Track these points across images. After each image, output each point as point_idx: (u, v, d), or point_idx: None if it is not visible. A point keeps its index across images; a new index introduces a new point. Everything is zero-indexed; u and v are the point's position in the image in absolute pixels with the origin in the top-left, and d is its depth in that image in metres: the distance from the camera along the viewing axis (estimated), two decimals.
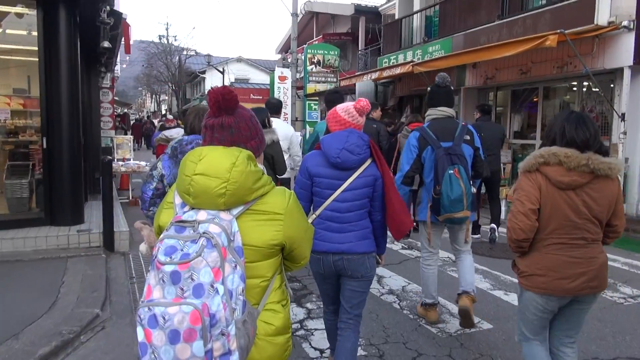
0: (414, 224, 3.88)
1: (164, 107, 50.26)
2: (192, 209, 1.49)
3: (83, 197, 6.51)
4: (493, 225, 6.71)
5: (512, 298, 4.42)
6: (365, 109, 2.68)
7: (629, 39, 7.31)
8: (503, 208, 7.51)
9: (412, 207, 4.74)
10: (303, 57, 17.71)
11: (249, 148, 1.59)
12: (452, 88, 3.91)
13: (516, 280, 2.50)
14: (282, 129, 4.96)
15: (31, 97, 6.30)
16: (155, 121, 24.49)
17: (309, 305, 4.26)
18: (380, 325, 3.86)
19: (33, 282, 4.58)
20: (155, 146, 9.49)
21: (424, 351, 3.44)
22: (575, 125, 2.19)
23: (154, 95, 54.82)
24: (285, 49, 24.84)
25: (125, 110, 33.55)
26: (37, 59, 5.83)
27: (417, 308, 4.09)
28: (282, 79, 18.21)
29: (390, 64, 12.92)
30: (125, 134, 20.85)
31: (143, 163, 9.24)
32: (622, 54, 7.44)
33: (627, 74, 7.41)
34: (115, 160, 9.95)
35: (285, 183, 4.99)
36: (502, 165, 7.42)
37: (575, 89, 9.19)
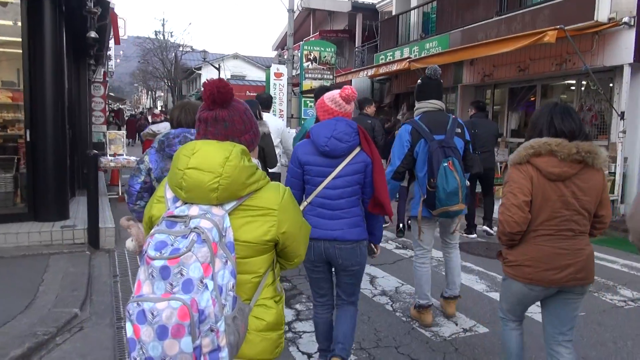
0: (408, 221, 3.80)
1: (159, 104, 49.99)
2: (185, 203, 1.47)
3: (68, 192, 6.32)
4: (486, 227, 6.65)
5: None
6: (351, 97, 2.66)
7: (629, 36, 7.17)
8: (496, 207, 7.37)
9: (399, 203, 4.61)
10: (299, 54, 17.53)
11: (242, 142, 1.57)
12: (442, 82, 3.87)
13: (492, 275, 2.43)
14: (274, 122, 4.88)
15: (20, 90, 6.09)
16: (150, 117, 24.26)
17: (298, 306, 4.09)
18: (372, 328, 3.70)
19: (11, 280, 4.39)
20: (143, 141, 9.34)
21: (416, 356, 3.28)
22: (562, 117, 2.22)
23: (149, 92, 54.52)
24: (281, 45, 24.65)
25: (120, 105, 33.22)
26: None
27: (410, 310, 3.94)
28: (278, 75, 18.03)
29: (387, 60, 12.76)
30: (119, 129, 20.60)
31: (133, 158, 9.04)
32: (622, 51, 7.31)
33: (627, 71, 7.28)
34: (108, 155, 9.79)
35: (276, 178, 4.84)
36: (498, 163, 7.30)
37: (573, 87, 9.06)
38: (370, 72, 12.22)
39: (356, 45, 19.02)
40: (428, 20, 12.58)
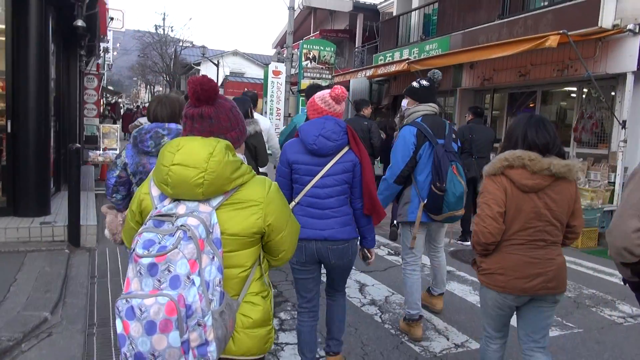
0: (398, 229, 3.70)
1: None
2: (172, 202, 1.49)
3: (50, 187, 6.11)
4: None
5: None
6: (341, 96, 2.65)
7: (634, 44, 6.99)
8: None
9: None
10: (298, 53, 17.33)
11: (228, 139, 1.58)
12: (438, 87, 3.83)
13: None
14: (262, 121, 4.74)
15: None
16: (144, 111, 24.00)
17: (282, 315, 3.89)
18: (359, 340, 3.50)
19: None
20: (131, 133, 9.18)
21: None
22: (536, 130, 2.24)
23: (148, 86, 54.19)
24: (281, 43, 24.44)
25: (116, 99, 32.96)
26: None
27: (399, 323, 3.74)
28: (277, 73, 17.78)
29: (386, 61, 12.56)
30: (115, 123, 20.39)
31: (120, 152, 8.82)
32: (625, 58, 7.13)
33: (630, 79, 7.09)
34: (101, 149, 9.58)
35: None
36: None
37: (574, 94, 8.89)
38: (369, 72, 12.03)
39: (356, 46, 18.84)
40: (429, 22, 12.39)
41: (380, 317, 3.95)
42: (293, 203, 2.66)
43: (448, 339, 3.60)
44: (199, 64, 36.73)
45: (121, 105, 38.88)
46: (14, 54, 5.47)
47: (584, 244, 6.80)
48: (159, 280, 1.34)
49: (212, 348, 1.39)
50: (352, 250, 2.71)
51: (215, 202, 1.49)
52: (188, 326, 1.34)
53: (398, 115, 4.03)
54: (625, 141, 7.22)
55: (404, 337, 3.58)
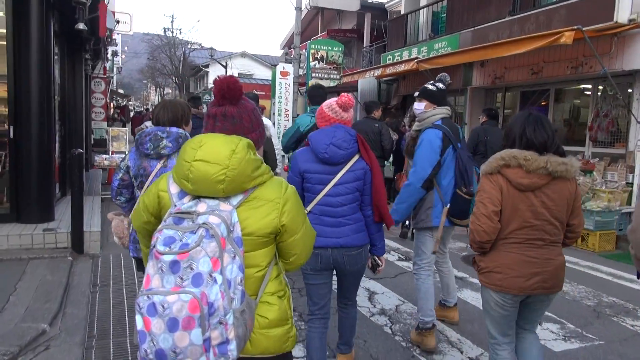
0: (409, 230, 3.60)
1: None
2: (192, 199, 1.49)
3: (54, 193, 6.02)
4: None
5: None
6: (347, 104, 2.67)
7: None
8: None
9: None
10: (306, 53, 17.20)
11: (250, 139, 1.58)
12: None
13: None
14: (269, 126, 4.67)
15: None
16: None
17: None
18: (368, 354, 3.34)
19: None
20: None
21: None
22: (534, 127, 2.25)
23: (158, 89, 54.45)
24: (289, 44, 24.34)
25: (125, 101, 33.09)
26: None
27: (411, 334, 3.58)
28: (284, 74, 17.69)
29: (395, 61, 12.37)
30: (124, 126, 20.41)
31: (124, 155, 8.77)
32: None
33: None
34: (110, 152, 9.55)
35: None
36: None
37: (589, 92, 8.64)
38: (377, 72, 11.84)
39: (364, 45, 18.66)
40: (437, 20, 12.18)
41: (391, 328, 3.79)
42: (305, 212, 2.59)
43: (462, 352, 3.42)
44: (207, 66, 36.82)
45: (131, 108, 39.04)
46: (15, 58, 5.39)
47: (601, 247, 6.58)
48: (181, 278, 1.34)
49: (232, 346, 1.40)
50: (365, 255, 2.76)
51: (235, 200, 1.50)
52: (210, 324, 1.34)
53: (407, 116, 3.93)
54: None
55: (415, 350, 3.41)
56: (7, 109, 5.66)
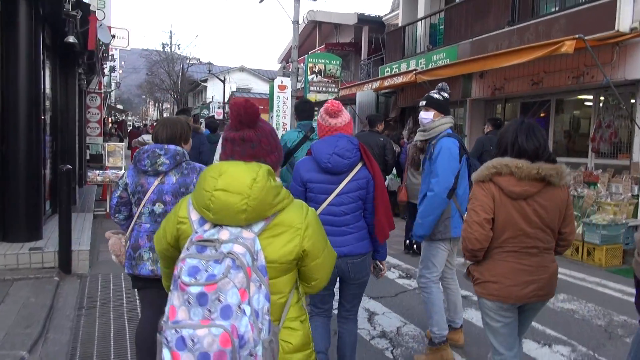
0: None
1: (165, 116, 49.92)
2: (214, 227, 1.46)
3: (42, 210, 5.82)
4: None
5: (531, 347, 3.69)
6: (333, 110, 2.65)
7: None
8: None
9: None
10: (304, 67, 17.15)
11: (268, 162, 1.58)
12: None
13: None
14: None
15: None
16: (150, 129, 23.96)
17: None
18: None
19: None
20: (132, 148, 9.23)
21: None
22: (526, 135, 2.26)
23: (157, 104, 54.55)
24: (287, 58, 24.32)
25: (123, 117, 33.05)
26: None
27: (418, 359, 3.37)
28: (282, 88, 17.65)
29: (393, 73, 12.27)
30: (121, 141, 20.29)
31: (122, 172, 8.58)
32: None
33: None
34: (105, 168, 9.44)
35: None
36: None
37: (590, 102, 8.51)
38: (375, 84, 11.74)
39: (362, 59, 18.63)
40: (435, 31, 12.11)
41: (392, 352, 3.57)
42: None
43: None
44: (205, 81, 36.89)
45: (129, 123, 39.03)
46: (2, 70, 5.24)
47: (608, 262, 6.37)
48: (209, 310, 1.31)
49: None
50: (368, 263, 2.76)
51: (257, 227, 1.48)
52: (240, 357, 1.32)
53: (406, 128, 3.83)
54: None
55: None
56: None
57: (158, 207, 2.60)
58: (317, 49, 21.07)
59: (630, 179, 7.18)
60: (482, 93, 10.11)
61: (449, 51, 10.59)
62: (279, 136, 1.93)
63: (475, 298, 4.71)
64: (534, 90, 8.80)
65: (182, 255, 1.41)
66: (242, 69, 37.84)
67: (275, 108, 15.53)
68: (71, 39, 5.52)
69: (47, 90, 6.82)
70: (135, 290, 2.86)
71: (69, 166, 5.16)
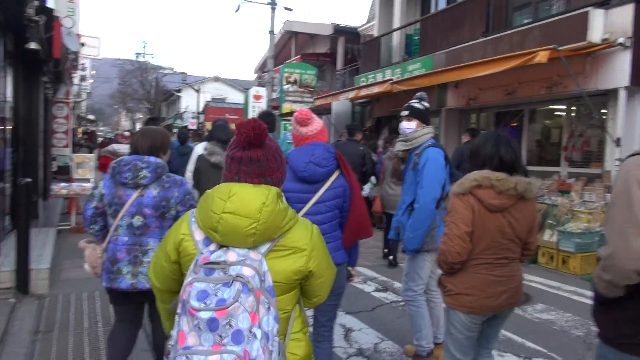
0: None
1: (138, 126, 49.06)
2: (220, 247, 1.45)
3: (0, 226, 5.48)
4: None
5: None
6: (299, 118, 2.61)
7: (625, 58, 6.73)
8: None
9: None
10: (279, 77, 17.06)
11: (274, 179, 1.56)
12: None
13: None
14: None
15: None
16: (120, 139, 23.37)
17: None
18: None
19: None
20: (99, 156, 9.02)
21: None
22: (504, 149, 2.29)
23: (129, 114, 53.56)
24: (263, 68, 24.20)
25: (93, 127, 32.27)
26: None
27: None
28: (258, 97, 17.54)
29: (369, 82, 12.25)
30: (91, 152, 19.73)
31: (88, 185, 8.22)
32: (617, 74, 6.85)
33: (622, 95, 6.81)
34: (71, 180, 9.06)
35: None
36: None
37: (562, 113, 8.60)
38: (351, 94, 11.69)
39: (337, 69, 18.63)
40: (411, 42, 12.15)
41: None
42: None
43: None
44: (179, 91, 36.42)
45: (100, 134, 38.15)
46: None
47: (583, 270, 6.36)
48: (220, 335, 1.30)
49: None
50: (344, 273, 2.69)
51: (263, 248, 1.47)
52: None
53: (382, 138, 3.74)
54: (620, 160, 6.88)
55: None
56: None
57: (137, 220, 2.56)
58: (293, 59, 21.01)
59: (603, 188, 7.24)
60: (457, 103, 10.15)
61: (425, 61, 10.61)
62: None
63: None
64: (508, 100, 8.86)
65: (189, 279, 1.39)
66: (216, 79, 37.58)
67: (250, 118, 15.37)
68: (33, 45, 5.25)
69: (9, 99, 6.49)
70: (111, 305, 2.82)
71: (29, 179, 4.85)
